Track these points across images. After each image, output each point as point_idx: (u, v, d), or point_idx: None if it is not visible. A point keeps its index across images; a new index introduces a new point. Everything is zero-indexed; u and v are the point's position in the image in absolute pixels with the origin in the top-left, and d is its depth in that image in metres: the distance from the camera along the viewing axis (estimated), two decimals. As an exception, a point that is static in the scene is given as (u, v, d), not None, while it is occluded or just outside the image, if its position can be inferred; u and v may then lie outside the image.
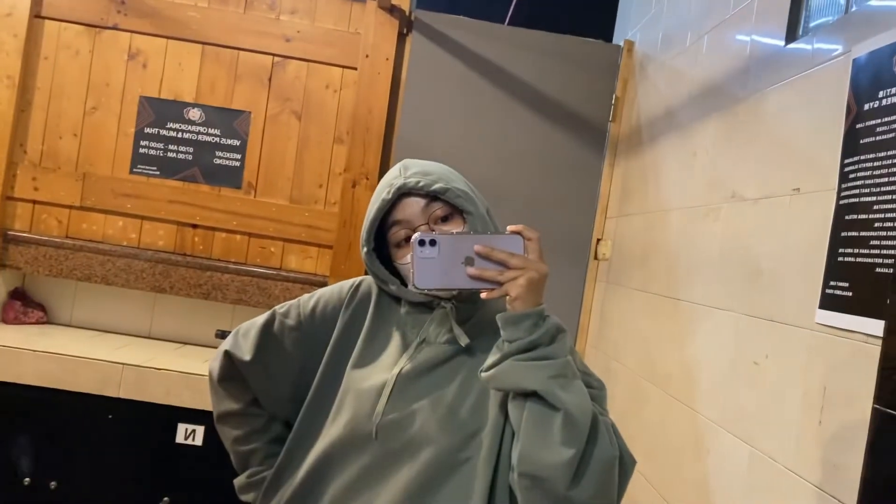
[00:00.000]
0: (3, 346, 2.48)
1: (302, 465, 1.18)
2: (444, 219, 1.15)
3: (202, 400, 2.51)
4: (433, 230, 1.13)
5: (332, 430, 1.17)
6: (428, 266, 1.02)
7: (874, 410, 0.85)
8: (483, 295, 1.02)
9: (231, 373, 1.27)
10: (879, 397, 0.85)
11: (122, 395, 2.50)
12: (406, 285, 1.19)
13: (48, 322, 2.94)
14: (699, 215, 1.95)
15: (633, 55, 2.85)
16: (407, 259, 1.11)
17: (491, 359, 1.04)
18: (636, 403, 2.23)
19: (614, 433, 1.06)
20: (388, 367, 1.17)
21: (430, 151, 2.82)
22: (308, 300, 1.28)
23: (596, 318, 2.89)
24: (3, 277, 2.83)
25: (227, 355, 1.27)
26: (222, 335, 2.78)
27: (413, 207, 1.14)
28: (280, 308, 1.28)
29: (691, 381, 1.82)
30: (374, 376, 1.16)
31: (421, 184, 1.13)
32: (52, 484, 2.49)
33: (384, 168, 2.84)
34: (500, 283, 1.01)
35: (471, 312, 1.18)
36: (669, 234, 2.17)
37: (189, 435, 2.54)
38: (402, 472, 1.11)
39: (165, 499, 2.52)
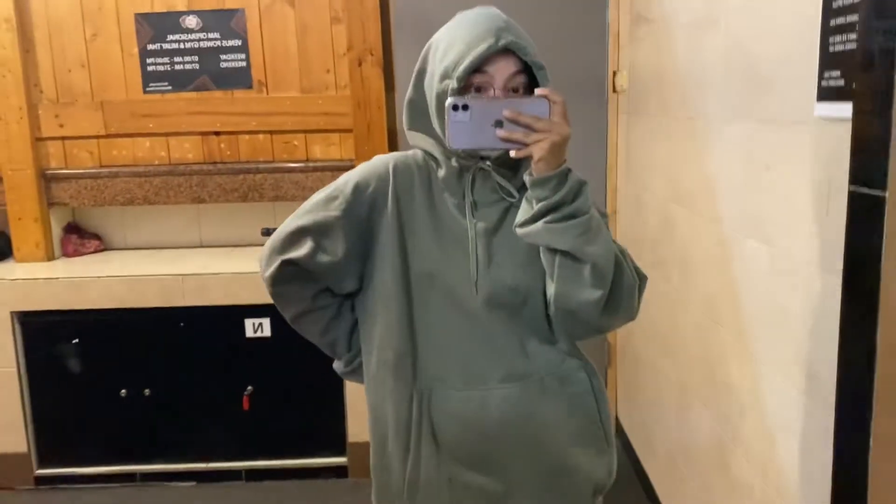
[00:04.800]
0: (71, 278, 2.67)
1: (389, 346, 1.26)
2: (515, 90, 1.15)
3: (262, 295, 2.66)
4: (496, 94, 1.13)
5: (428, 301, 1.24)
6: (461, 128, 1.09)
7: (849, 192, 0.88)
8: (511, 154, 1.08)
9: (284, 277, 1.32)
10: (853, 178, 0.88)
11: (188, 303, 2.67)
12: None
13: (105, 249, 3.12)
14: (702, 28, 1.91)
15: None
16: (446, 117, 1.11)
17: (523, 215, 1.12)
18: (668, 227, 2.28)
19: (626, 259, 1.18)
20: (459, 232, 1.22)
21: (430, 13, 2.77)
22: (345, 186, 1.27)
23: (623, 152, 2.89)
24: (54, 215, 2.98)
25: (283, 262, 1.29)
26: (267, 232, 2.90)
27: (504, 70, 1.13)
28: (315, 213, 1.28)
29: (713, 196, 1.85)
30: (451, 244, 1.22)
31: (527, 51, 1.12)
32: (147, 392, 2.74)
33: (386, 41, 2.82)
34: (527, 145, 1.06)
35: (508, 174, 1.22)
36: (677, 54, 2.13)
37: (257, 328, 2.72)
38: (507, 325, 1.23)
39: (249, 388, 2.75)
